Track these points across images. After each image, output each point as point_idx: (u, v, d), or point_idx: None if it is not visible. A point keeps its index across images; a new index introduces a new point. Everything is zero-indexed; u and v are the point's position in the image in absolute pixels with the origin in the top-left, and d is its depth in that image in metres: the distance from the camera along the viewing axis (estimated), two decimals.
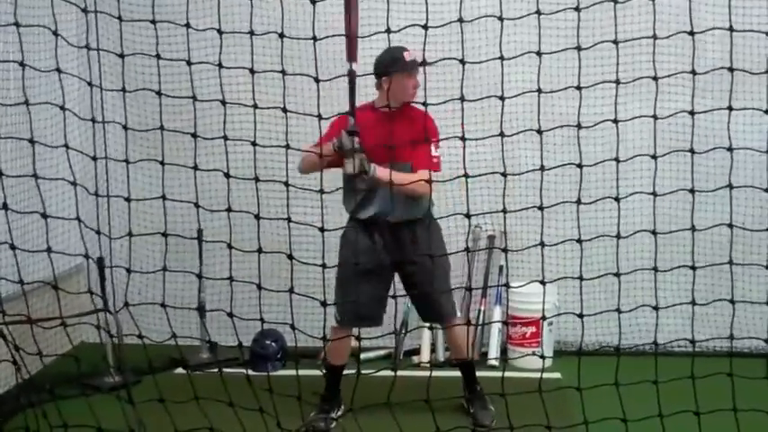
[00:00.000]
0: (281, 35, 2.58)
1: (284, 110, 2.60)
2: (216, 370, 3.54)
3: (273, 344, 4.66)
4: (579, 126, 2.69)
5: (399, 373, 2.92)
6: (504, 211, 2.69)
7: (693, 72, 2.67)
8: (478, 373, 3.97)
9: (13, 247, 2.64)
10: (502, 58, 2.63)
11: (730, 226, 2.78)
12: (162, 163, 2.72)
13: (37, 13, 3.60)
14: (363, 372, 2.80)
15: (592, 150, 3.34)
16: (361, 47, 3.38)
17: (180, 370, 4.52)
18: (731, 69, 2.67)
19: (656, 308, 2.77)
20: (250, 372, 2.94)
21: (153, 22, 2.64)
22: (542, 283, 2.71)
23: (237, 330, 2.84)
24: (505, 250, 2.87)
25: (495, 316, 4.79)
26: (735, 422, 2.70)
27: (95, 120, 2.75)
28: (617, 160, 2.71)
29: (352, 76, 3.31)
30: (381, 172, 3.35)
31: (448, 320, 3.81)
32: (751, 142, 3.90)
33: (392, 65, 3.54)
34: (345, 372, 3.85)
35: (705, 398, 2.69)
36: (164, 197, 2.76)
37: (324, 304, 2.64)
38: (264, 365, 4.52)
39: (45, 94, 3.34)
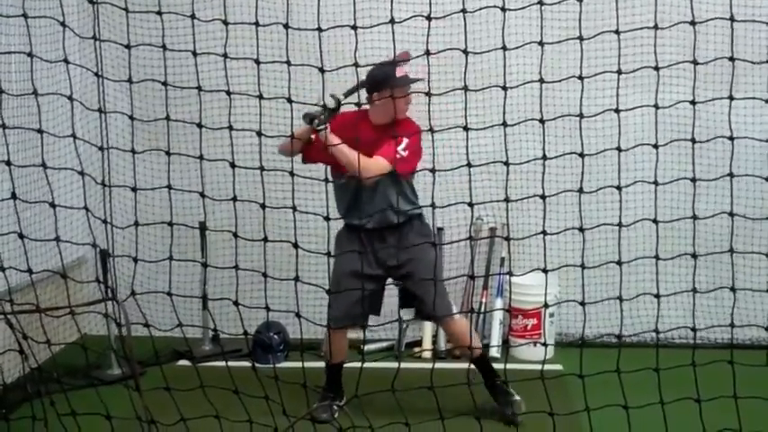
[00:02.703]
0: (287, 26, 2.60)
1: (289, 100, 2.62)
2: (219, 362, 3.55)
3: (276, 336, 4.68)
4: (581, 116, 2.70)
5: (401, 365, 2.94)
6: (507, 200, 2.71)
7: (695, 62, 2.69)
8: None
9: (21, 237, 2.66)
10: (504, 48, 2.65)
11: (731, 215, 2.80)
12: (168, 153, 2.74)
13: (38, 5, 3.62)
14: (367, 363, 2.83)
15: (593, 142, 3.34)
16: (362, 38, 3.39)
17: (183, 362, 4.55)
18: (732, 59, 2.69)
19: (657, 296, 2.79)
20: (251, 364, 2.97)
21: (159, 13, 2.66)
22: (544, 271, 2.73)
23: (240, 323, 2.85)
24: (508, 239, 2.89)
25: (496, 308, 4.81)
26: (735, 411, 2.71)
27: (102, 110, 2.77)
28: (618, 149, 2.73)
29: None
30: (333, 137, 3.34)
31: (444, 320, 3.80)
32: (752, 132, 3.93)
33: (384, 81, 3.48)
34: (349, 364, 3.87)
35: (706, 389, 2.71)
36: (169, 187, 2.78)
37: (329, 292, 2.66)
38: (267, 357, 4.55)
39: (47, 86, 3.36)
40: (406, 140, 3.51)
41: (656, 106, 2.74)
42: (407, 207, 3.63)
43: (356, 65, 2.69)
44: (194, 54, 2.69)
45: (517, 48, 2.79)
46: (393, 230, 3.64)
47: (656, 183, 2.77)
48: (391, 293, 3.92)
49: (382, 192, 3.57)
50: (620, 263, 2.77)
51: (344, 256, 3.57)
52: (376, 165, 3.41)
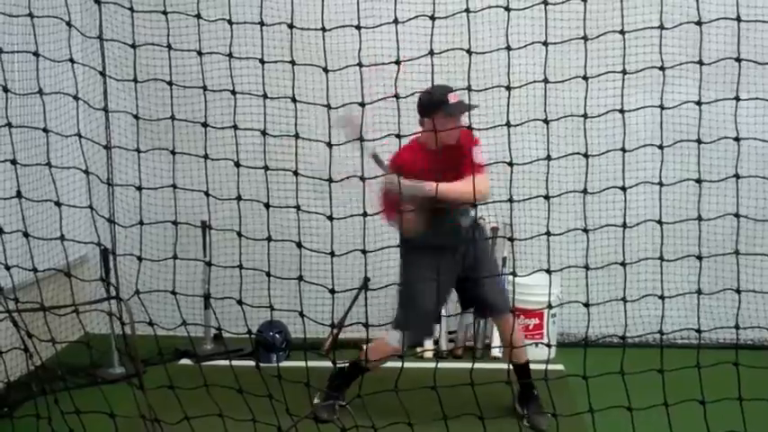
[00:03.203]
0: (291, 26, 2.60)
1: (293, 99, 2.63)
2: (221, 361, 3.56)
3: (278, 335, 4.69)
4: (585, 116, 2.70)
5: (404, 365, 2.94)
6: (511, 200, 2.71)
7: (700, 62, 2.68)
8: (482, 365, 3.97)
9: (26, 235, 2.67)
10: (508, 48, 2.65)
11: (737, 216, 2.80)
12: (173, 152, 2.74)
13: (41, 4, 3.62)
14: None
15: (597, 142, 3.35)
16: (365, 38, 3.40)
17: (186, 360, 4.56)
18: (738, 60, 2.68)
19: (661, 297, 2.79)
20: (254, 363, 2.97)
21: (164, 12, 2.66)
22: (548, 272, 2.73)
23: (242, 322, 2.85)
24: (512, 239, 2.89)
25: None
26: (740, 413, 2.70)
27: (106, 110, 2.78)
28: (623, 150, 2.73)
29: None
30: (431, 186, 3.23)
31: (503, 315, 3.74)
32: (755, 133, 3.93)
33: (436, 107, 3.43)
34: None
35: (710, 390, 2.70)
36: (174, 186, 2.78)
37: (332, 292, 2.66)
38: (269, 356, 4.56)
39: (49, 86, 3.36)
40: (480, 144, 3.49)
41: (661, 107, 2.74)
42: (473, 211, 3.61)
43: (360, 65, 2.69)
44: (199, 53, 2.69)
45: (521, 48, 2.79)
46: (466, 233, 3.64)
47: (660, 183, 2.76)
48: (390, 293, 3.90)
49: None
50: (623, 264, 2.76)
51: (421, 268, 3.56)
52: (481, 183, 3.16)
